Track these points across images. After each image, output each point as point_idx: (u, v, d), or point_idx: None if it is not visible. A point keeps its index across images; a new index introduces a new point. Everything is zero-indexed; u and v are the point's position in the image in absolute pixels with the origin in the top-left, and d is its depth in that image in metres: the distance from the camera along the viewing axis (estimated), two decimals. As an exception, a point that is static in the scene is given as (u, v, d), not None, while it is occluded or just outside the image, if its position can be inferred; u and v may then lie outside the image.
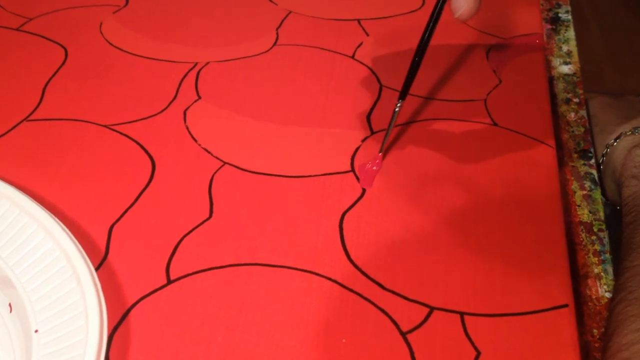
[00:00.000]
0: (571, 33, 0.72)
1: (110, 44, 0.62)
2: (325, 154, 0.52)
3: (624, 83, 1.88)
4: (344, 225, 0.47)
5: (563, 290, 0.43)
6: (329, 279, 0.44)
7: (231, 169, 0.51)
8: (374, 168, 0.51)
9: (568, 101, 0.64)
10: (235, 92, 0.58)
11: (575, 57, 0.69)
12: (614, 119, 0.61)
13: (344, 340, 0.41)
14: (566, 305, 0.42)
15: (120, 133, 0.53)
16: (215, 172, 0.50)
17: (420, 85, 0.59)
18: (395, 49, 0.63)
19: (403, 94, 0.50)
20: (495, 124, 0.56)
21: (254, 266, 0.44)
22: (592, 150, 0.59)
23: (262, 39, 0.64)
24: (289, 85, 0.59)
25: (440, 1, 0.47)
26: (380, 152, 0.51)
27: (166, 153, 0.52)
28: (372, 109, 0.57)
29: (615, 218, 0.55)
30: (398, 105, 0.50)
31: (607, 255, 0.50)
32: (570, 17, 0.75)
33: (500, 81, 0.60)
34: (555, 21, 0.74)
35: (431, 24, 0.48)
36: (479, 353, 0.40)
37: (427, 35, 0.48)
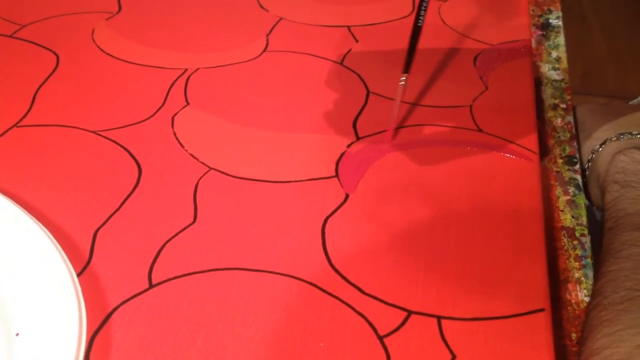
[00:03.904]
0: (561, 39, 0.73)
1: (102, 50, 0.63)
2: (310, 159, 0.53)
3: (627, 84, 1.88)
4: (326, 229, 0.48)
5: (540, 294, 0.44)
6: (309, 283, 0.44)
7: (217, 174, 0.51)
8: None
9: (555, 107, 0.64)
10: (223, 98, 0.59)
11: (564, 63, 0.70)
12: (601, 125, 0.61)
13: (321, 344, 0.41)
14: (543, 310, 0.43)
15: (108, 139, 0.54)
16: (200, 178, 0.51)
17: (406, 91, 0.59)
18: (384, 55, 0.64)
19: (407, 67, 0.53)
20: (480, 130, 0.56)
21: (236, 270, 0.45)
22: (577, 156, 0.59)
23: (252, 45, 0.65)
24: (277, 91, 0.60)
25: None
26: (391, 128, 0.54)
27: (152, 158, 0.52)
28: (358, 115, 0.57)
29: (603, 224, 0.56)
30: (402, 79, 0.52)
31: (588, 260, 0.51)
32: (560, 23, 0.75)
33: (487, 87, 0.61)
34: (545, 27, 0.74)
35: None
36: (454, 356, 0.41)
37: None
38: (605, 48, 2.03)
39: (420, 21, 0.51)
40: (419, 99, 0.59)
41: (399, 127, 0.56)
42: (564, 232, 0.53)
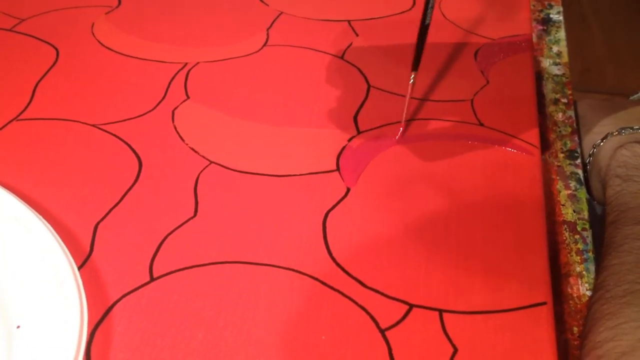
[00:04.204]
0: (562, 34, 0.73)
1: (102, 44, 0.63)
2: (311, 153, 0.53)
3: (626, 82, 1.88)
4: (327, 223, 0.48)
5: (542, 288, 0.44)
6: (311, 276, 0.44)
7: (217, 168, 0.51)
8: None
9: (556, 101, 0.64)
10: (224, 92, 0.58)
11: (565, 57, 0.70)
12: (602, 120, 0.61)
13: (323, 337, 0.41)
14: (545, 303, 0.43)
15: (109, 132, 0.54)
16: (201, 171, 0.51)
17: (407, 85, 0.59)
18: (385, 49, 0.64)
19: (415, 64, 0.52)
20: (482, 124, 0.56)
21: (237, 264, 0.45)
22: (578, 150, 0.59)
23: (252, 40, 0.65)
24: (277, 85, 0.60)
25: None
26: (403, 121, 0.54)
27: (153, 152, 0.52)
28: (359, 109, 0.57)
29: (605, 218, 0.56)
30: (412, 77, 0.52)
31: (590, 254, 0.51)
32: (561, 17, 0.75)
33: (488, 82, 0.60)
34: (546, 22, 0.74)
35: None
36: (456, 350, 0.40)
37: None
38: (604, 47, 2.03)
39: (427, 19, 0.51)
40: (420, 93, 0.59)
41: (408, 121, 0.55)
42: (566, 226, 0.53)
